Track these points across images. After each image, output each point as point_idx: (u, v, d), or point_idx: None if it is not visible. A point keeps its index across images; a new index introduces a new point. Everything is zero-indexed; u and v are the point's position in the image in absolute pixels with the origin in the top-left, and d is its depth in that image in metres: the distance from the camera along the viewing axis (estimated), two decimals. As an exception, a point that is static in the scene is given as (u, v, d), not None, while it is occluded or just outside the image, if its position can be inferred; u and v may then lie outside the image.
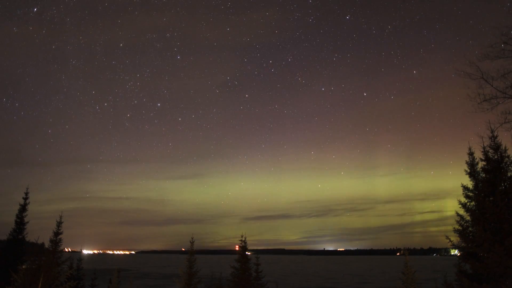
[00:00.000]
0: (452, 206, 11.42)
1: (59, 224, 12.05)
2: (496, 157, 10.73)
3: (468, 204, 11.20)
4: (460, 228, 11.21)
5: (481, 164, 11.09)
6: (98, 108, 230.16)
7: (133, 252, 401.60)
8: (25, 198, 16.90)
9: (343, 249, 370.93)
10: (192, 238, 15.43)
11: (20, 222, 16.69)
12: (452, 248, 12.09)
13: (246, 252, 15.98)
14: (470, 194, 11.27)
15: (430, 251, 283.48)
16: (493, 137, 10.90)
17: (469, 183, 11.42)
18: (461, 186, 11.55)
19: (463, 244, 10.97)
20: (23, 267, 11.88)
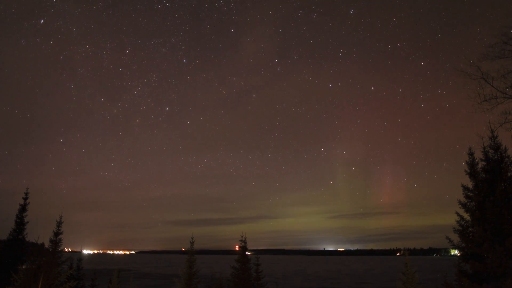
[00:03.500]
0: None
1: (59, 224, 12.07)
2: (496, 157, 10.74)
3: (468, 204, 11.21)
4: (460, 228, 11.22)
5: (481, 164, 11.10)
6: (108, 115, 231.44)
7: (133, 252, 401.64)
8: (25, 198, 16.92)
9: (343, 249, 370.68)
10: (192, 238, 15.46)
11: (20, 222, 16.70)
12: (452, 248, 12.09)
13: (246, 252, 16.00)
14: (470, 194, 11.28)
15: (430, 251, 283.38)
16: (493, 137, 10.91)
17: (469, 183, 11.43)
18: (461, 186, 11.55)
19: (463, 244, 10.98)
20: (23, 267, 11.89)
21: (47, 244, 11.81)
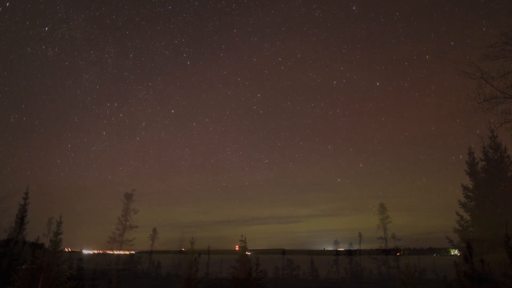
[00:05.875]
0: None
1: (59, 224, 12.05)
2: (496, 157, 10.75)
3: (468, 204, 11.21)
4: (460, 228, 11.23)
5: (481, 164, 11.11)
6: (114, 120, 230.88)
7: (133, 252, 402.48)
8: (25, 198, 16.92)
9: (343, 249, 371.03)
10: (192, 238, 15.45)
11: (20, 222, 16.70)
12: (452, 248, 12.11)
13: (246, 252, 16.00)
14: (470, 194, 11.28)
15: (430, 251, 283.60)
16: (493, 137, 10.92)
17: (469, 183, 11.44)
18: (461, 186, 11.56)
19: (463, 244, 10.98)
20: (23, 267, 11.87)
21: (47, 244, 11.79)
